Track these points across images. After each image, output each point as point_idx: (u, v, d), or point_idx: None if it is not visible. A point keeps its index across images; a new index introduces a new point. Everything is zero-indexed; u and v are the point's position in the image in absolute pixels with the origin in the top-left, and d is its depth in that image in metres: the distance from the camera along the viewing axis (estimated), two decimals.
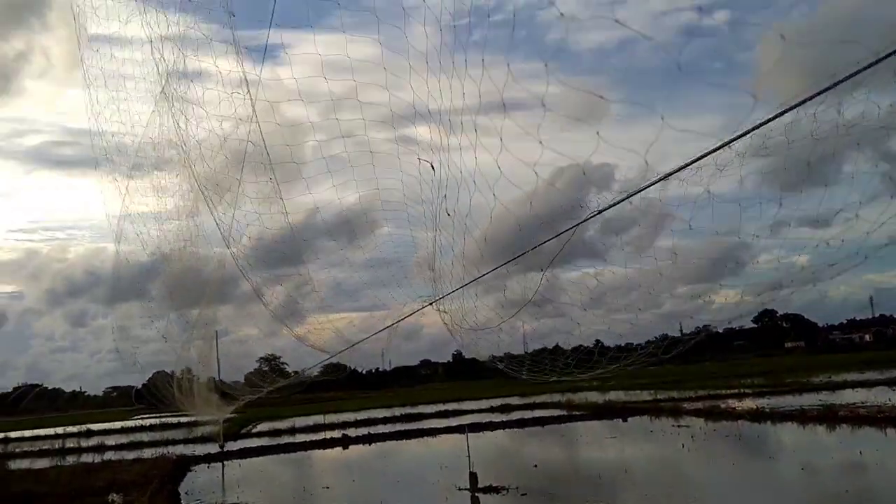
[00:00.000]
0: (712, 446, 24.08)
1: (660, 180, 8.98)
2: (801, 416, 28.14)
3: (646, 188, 9.76)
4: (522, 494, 17.11)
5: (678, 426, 29.82)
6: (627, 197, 10.30)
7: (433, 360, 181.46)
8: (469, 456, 18.85)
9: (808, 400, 34.92)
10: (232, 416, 31.59)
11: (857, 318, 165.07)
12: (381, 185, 13.15)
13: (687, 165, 9.36)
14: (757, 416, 30.01)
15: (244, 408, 38.48)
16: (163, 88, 14.75)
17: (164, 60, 14.22)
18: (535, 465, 21.94)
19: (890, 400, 30.37)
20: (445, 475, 21.46)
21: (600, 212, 10.95)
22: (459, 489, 18.28)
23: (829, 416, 26.79)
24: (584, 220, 11.09)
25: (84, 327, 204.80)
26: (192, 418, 34.08)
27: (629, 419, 35.72)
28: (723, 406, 34.65)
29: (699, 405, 36.78)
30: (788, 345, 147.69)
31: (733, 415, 31.48)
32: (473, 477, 18.15)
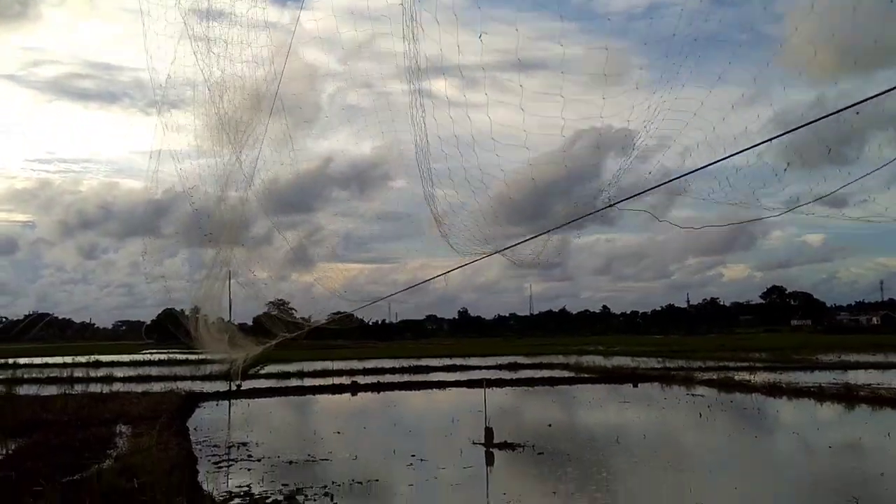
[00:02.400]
0: (729, 417, 23.67)
1: (663, 183, 8.43)
2: (819, 393, 27.71)
3: (659, 186, 9.21)
4: (539, 453, 16.74)
5: (692, 395, 29.44)
6: (642, 192, 9.72)
7: (439, 315, 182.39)
8: (486, 411, 18.50)
9: (820, 378, 34.48)
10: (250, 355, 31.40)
11: (866, 301, 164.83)
12: (397, 138, 12.65)
13: (705, 167, 8.79)
14: (772, 390, 29.57)
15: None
16: (185, 24, 14.06)
17: None
18: (550, 425, 21.56)
19: None
20: (458, 429, 21.17)
21: (611, 205, 10.39)
22: (474, 443, 17.96)
23: (849, 395, 26.34)
24: (594, 212, 10.56)
25: (95, 260, 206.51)
26: (215, 355, 33.90)
27: (639, 385, 35.39)
28: (737, 378, 34.24)
29: (712, 376, 36.42)
30: (795, 322, 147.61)
31: (748, 387, 31.08)
32: (489, 432, 17.81)
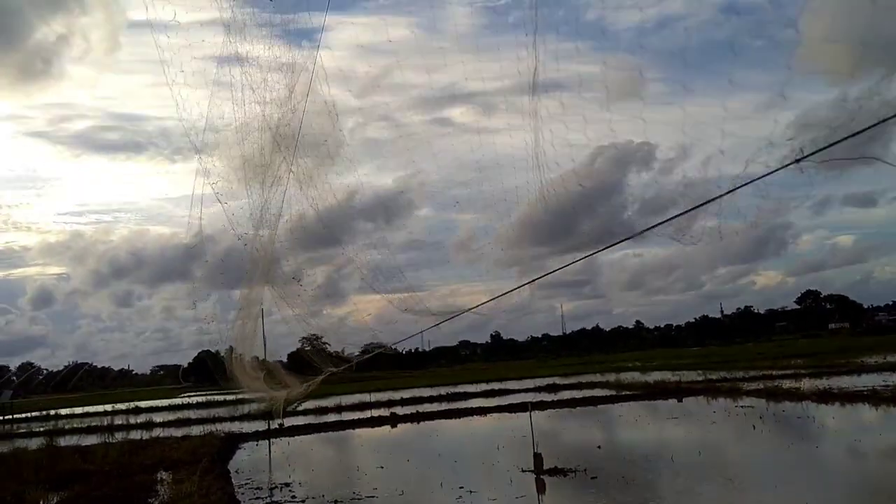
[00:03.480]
0: (783, 428, 22.84)
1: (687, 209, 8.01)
2: (873, 397, 26.72)
3: (689, 210, 8.82)
4: (592, 477, 16.13)
5: (740, 407, 28.55)
6: (670, 219, 9.33)
7: (472, 340, 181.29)
8: (533, 436, 17.93)
9: (868, 381, 33.39)
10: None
11: None
12: (418, 167, 12.67)
13: (731, 191, 8.40)
14: (823, 396, 28.60)
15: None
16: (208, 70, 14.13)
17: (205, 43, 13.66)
18: (599, 447, 20.91)
19: None
20: (504, 456, 20.61)
21: (636, 234, 10.04)
22: (523, 471, 17.39)
23: None
24: (617, 242, 10.20)
25: (129, 307, 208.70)
26: (256, 395, 33.72)
27: (683, 399, 34.53)
28: (785, 386, 33.23)
29: (759, 385, 35.42)
30: (832, 326, 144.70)
31: (797, 395, 30.09)
32: (538, 458, 17.23)
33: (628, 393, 40.09)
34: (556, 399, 39.04)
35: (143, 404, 61.41)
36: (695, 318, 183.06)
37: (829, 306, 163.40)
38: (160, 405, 60.64)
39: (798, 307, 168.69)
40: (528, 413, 32.15)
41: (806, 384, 33.43)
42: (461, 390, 50.90)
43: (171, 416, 47.20)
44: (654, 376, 51.75)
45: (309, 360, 26.01)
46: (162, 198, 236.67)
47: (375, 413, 38.10)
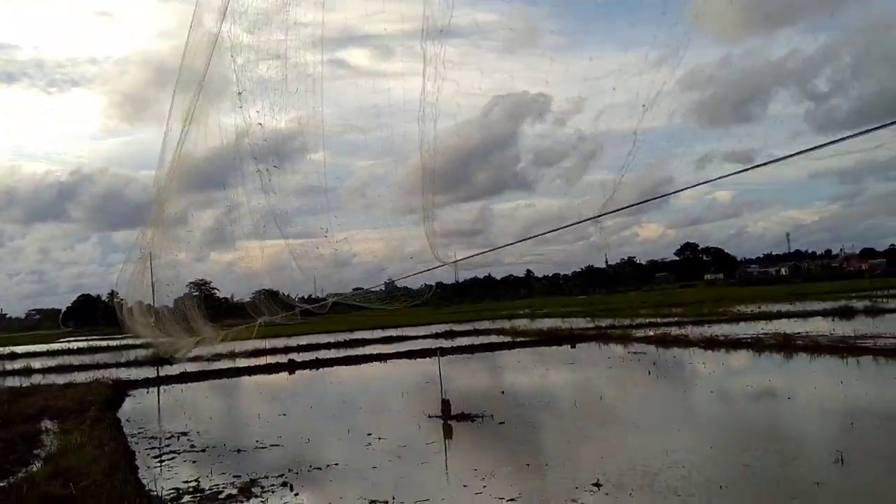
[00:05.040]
0: (677, 373, 23.81)
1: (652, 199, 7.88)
2: (757, 344, 28.21)
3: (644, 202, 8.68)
4: (500, 423, 16.23)
5: (633, 353, 29.61)
6: (631, 205, 9.16)
7: (365, 287, 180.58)
8: (441, 382, 17.88)
9: (747, 329, 35.35)
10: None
11: (774, 253, 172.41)
12: (312, 110, 12.25)
13: (691, 187, 8.36)
14: (710, 343, 30.00)
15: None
16: None
17: None
18: (503, 392, 21.15)
19: (834, 330, 30.78)
20: (409, 402, 20.54)
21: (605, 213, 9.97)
22: (430, 417, 17.33)
23: (787, 345, 26.85)
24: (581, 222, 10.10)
25: (1, 247, 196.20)
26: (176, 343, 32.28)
27: (577, 346, 35.55)
28: (673, 333, 34.69)
29: (648, 332, 36.87)
30: (708, 277, 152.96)
31: (685, 342, 31.48)
32: (446, 404, 17.20)
33: (523, 339, 40.91)
34: (454, 345, 39.32)
35: (19, 349, 58.08)
36: (581, 268, 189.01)
37: (705, 258, 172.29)
38: (39, 350, 57.56)
39: (677, 259, 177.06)
40: (426, 360, 32.46)
41: (691, 331, 35.00)
42: (359, 336, 50.62)
43: (51, 362, 44.78)
44: (546, 323, 53.08)
45: (252, 308, 24.93)
46: (35, 132, 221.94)
47: (272, 359, 37.36)
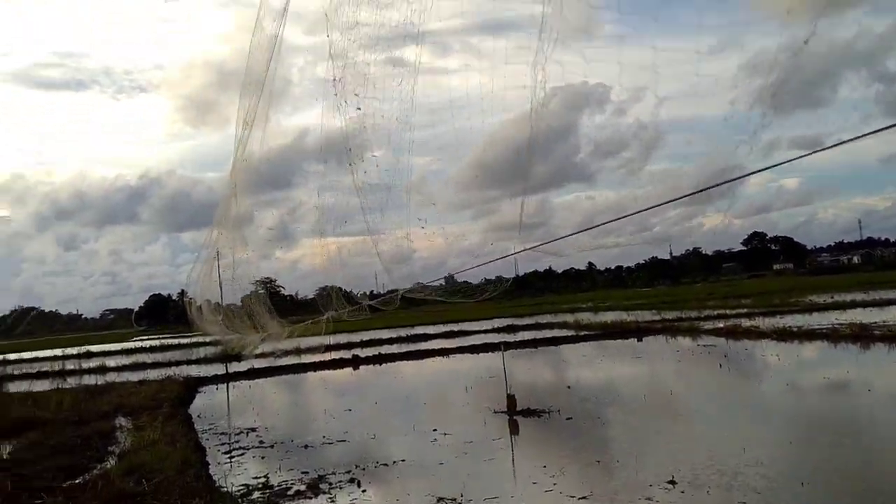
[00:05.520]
0: (749, 366, 23.07)
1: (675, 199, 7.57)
2: (833, 335, 27.15)
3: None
4: (567, 418, 15.94)
5: (702, 346, 28.84)
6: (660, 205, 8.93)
7: (425, 282, 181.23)
8: (506, 376, 17.66)
9: (821, 319, 34.09)
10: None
11: (845, 241, 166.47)
12: (370, 108, 12.26)
13: (716, 186, 8.08)
14: (783, 334, 28.99)
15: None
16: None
17: None
18: (569, 387, 20.81)
19: None
20: (474, 398, 20.37)
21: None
22: (495, 412, 17.14)
23: (864, 335, 25.78)
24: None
25: (75, 250, 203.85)
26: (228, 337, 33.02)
27: (644, 339, 34.86)
28: (745, 325, 33.68)
29: (717, 324, 35.92)
30: (777, 266, 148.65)
31: (757, 333, 30.52)
32: (511, 399, 16.99)
33: (587, 333, 40.30)
34: (517, 340, 39.06)
35: (95, 348, 60.05)
36: (645, 260, 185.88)
37: (774, 247, 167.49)
38: (113, 349, 59.40)
39: (745, 248, 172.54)
40: (489, 354, 32.23)
41: (762, 323, 33.92)
42: (420, 332, 50.75)
43: (125, 361, 46.14)
44: (610, 316, 52.24)
45: (320, 303, 25.19)
46: (106, 138, 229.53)
47: (336, 355, 37.69)
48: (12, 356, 58.27)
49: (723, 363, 22.92)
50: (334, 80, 11.59)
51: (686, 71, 9.59)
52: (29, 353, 64.79)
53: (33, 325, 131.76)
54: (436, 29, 10.44)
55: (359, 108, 11.42)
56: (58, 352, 56.78)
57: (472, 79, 10.29)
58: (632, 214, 8.63)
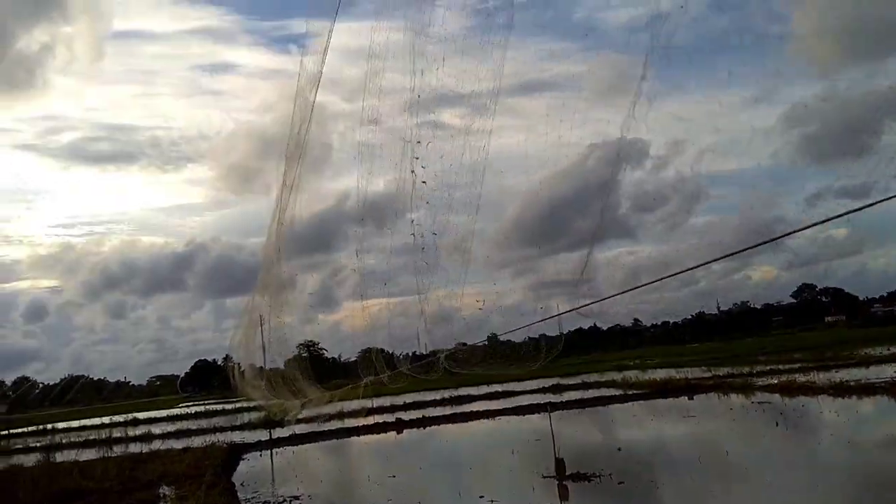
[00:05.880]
0: (807, 424, 22.14)
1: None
2: (893, 389, 25.99)
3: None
4: (619, 483, 15.35)
5: (756, 403, 27.85)
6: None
7: (468, 342, 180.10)
8: (553, 439, 17.16)
9: (878, 373, 32.79)
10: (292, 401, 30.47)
11: None
12: (406, 171, 12.41)
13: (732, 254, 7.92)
14: (840, 390, 27.87)
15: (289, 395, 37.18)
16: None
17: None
18: (619, 449, 20.14)
19: None
20: (520, 461, 19.83)
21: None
22: (543, 476, 16.61)
23: None
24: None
25: (123, 318, 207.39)
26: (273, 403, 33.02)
27: (695, 397, 33.84)
28: (799, 380, 32.52)
29: (770, 380, 34.76)
30: (829, 319, 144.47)
31: (812, 389, 29.40)
32: (560, 463, 16.46)
33: (636, 392, 39.30)
34: (563, 400, 38.26)
35: (141, 416, 60.38)
36: (692, 315, 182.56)
37: (824, 299, 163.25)
38: (159, 416, 59.64)
39: (794, 301, 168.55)
40: (535, 415, 31.57)
41: (817, 378, 32.73)
42: (464, 393, 50.05)
43: (170, 427, 46.27)
44: (658, 374, 50.97)
45: (361, 367, 25.16)
46: (153, 207, 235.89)
47: (379, 419, 37.29)
48: (61, 425, 58.90)
49: (779, 421, 22.04)
50: (373, 145, 11.72)
51: (725, 123, 9.51)
52: (77, 421, 65.47)
53: (82, 393, 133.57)
54: (472, 91, 10.54)
55: (401, 172, 11.48)
56: (105, 419, 57.20)
57: (511, 138, 10.36)
58: (677, 273, 8.40)
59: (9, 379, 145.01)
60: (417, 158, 11.21)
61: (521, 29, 12.26)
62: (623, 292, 9.12)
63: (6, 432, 57.52)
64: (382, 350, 29.85)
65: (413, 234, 11.96)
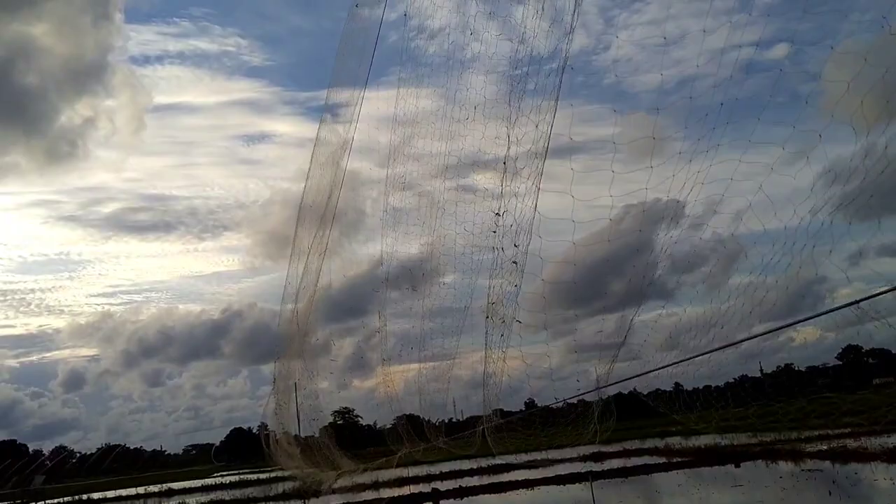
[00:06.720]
0: (861, 491, 21.17)
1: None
2: None
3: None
4: None
5: (807, 471, 26.78)
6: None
7: (505, 408, 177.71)
8: None
9: None
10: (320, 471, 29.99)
11: None
12: (442, 234, 12.51)
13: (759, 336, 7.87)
14: (895, 455, 26.71)
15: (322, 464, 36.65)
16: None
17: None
18: None
19: None
20: None
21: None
22: None
23: None
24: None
25: (160, 386, 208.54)
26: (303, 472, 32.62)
27: (741, 464, 32.65)
28: (851, 446, 31.26)
29: (820, 446, 33.48)
30: (877, 381, 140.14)
31: (865, 455, 28.23)
32: None
33: (680, 459, 38.09)
34: (605, 468, 37.21)
35: (176, 486, 60.05)
36: (734, 378, 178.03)
37: (871, 361, 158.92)
38: (193, 486, 59.25)
39: (840, 363, 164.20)
40: (576, 485, 30.68)
41: (869, 443, 31.44)
42: (502, 461, 48.92)
43: (204, 498, 45.84)
44: (702, 440, 49.39)
45: (392, 438, 24.94)
46: (190, 275, 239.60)
47: (415, 488, 36.53)
48: (96, 495, 58.73)
49: (832, 490, 21.10)
50: (404, 209, 11.77)
51: (761, 182, 9.46)
52: (113, 491, 65.25)
53: (118, 462, 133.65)
54: (503, 155, 10.73)
55: (434, 235, 11.47)
56: (140, 490, 56.92)
57: (543, 200, 10.43)
58: (724, 347, 8.22)
59: (47, 448, 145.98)
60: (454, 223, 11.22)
61: (550, 93, 12.46)
62: (671, 364, 8.95)
63: (43, 503, 57.53)
64: (418, 416, 29.43)
65: (445, 296, 11.89)
